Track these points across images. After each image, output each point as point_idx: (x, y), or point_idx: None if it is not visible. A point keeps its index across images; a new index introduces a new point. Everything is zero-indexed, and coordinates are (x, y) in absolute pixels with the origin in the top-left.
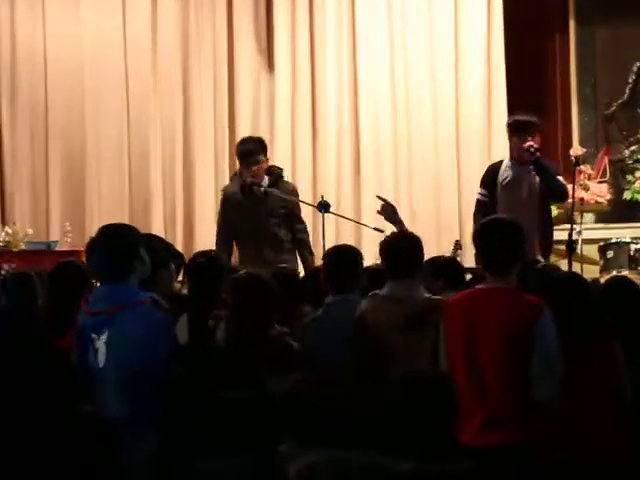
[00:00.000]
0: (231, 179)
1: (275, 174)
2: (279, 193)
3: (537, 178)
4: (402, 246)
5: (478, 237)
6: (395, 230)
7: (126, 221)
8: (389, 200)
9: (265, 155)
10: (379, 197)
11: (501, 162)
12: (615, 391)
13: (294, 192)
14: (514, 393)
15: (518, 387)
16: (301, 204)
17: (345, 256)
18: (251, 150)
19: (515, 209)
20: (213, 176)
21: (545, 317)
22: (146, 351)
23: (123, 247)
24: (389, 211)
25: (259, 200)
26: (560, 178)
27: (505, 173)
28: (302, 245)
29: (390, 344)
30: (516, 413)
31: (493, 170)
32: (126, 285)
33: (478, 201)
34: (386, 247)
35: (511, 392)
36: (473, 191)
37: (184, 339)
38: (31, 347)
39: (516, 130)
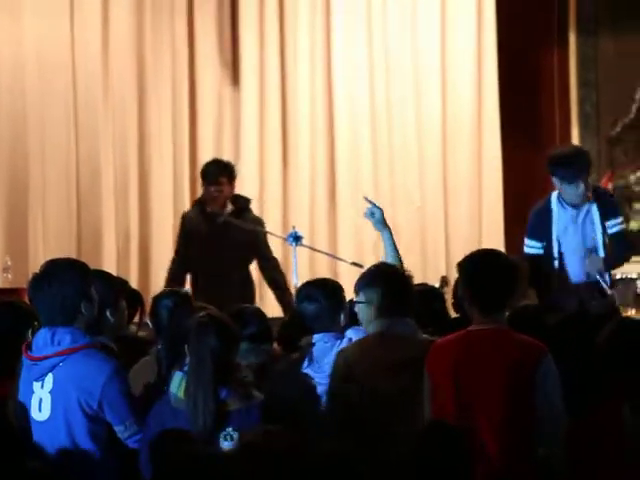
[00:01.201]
0: (192, 205)
1: (240, 204)
2: (240, 223)
3: (594, 219)
4: (401, 278)
5: (469, 271)
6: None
7: (74, 255)
8: (376, 203)
9: (229, 180)
10: (366, 199)
11: (548, 203)
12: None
13: (260, 225)
14: (514, 446)
15: (518, 441)
16: (270, 237)
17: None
18: (212, 170)
19: (571, 258)
20: (172, 203)
21: (548, 361)
22: (96, 400)
23: (70, 287)
24: (379, 215)
25: (220, 231)
26: (618, 221)
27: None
28: (276, 285)
29: (380, 391)
30: (517, 469)
31: (540, 215)
32: (72, 328)
33: (526, 256)
34: (383, 277)
35: (511, 445)
36: (461, 221)
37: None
38: None
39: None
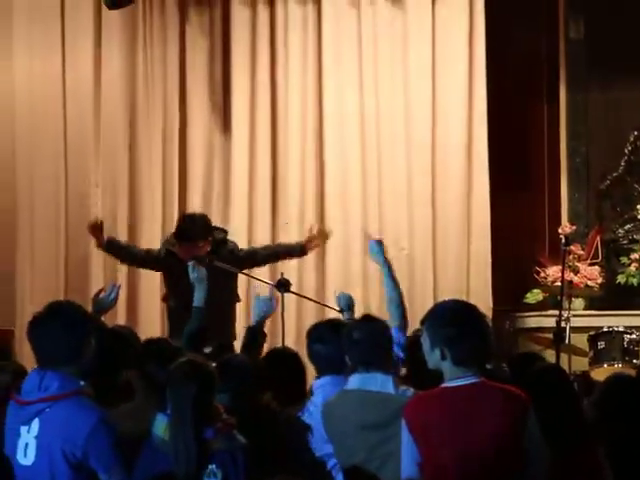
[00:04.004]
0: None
1: (217, 240)
2: (225, 266)
3: None
4: (368, 332)
5: (441, 324)
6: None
7: (61, 296)
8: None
9: (206, 239)
10: (366, 233)
11: None
12: None
13: (235, 250)
14: None
15: None
16: (257, 283)
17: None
18: (189, 235)
19: None
20: (160, 246)
21: (532, 410)
22: (80, 450)
23: (75, 330)
24: (376, 248)
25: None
26: None
27: None
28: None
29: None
30: None
31: None
32: (62, 374)
33: None
34: (350, 334)
35: None
36: (449, 271)
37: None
38: None
39: None
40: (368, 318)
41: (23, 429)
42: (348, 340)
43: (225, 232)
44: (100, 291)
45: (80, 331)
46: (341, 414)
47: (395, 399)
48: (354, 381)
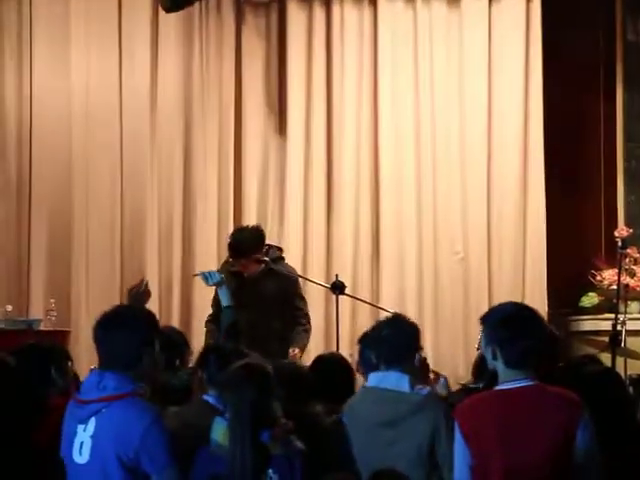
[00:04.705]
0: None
1: (272, 255)
2: (282, 269)
3: None
4: (397, 331)
5: (497, 323)
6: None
7: (117, 301)
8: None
9: (260, 251)
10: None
11: None
12: None
13: (293, 274)
14: None
15: None
16: (312, 285)
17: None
18: (244, 247)
19: None
20: (215, 251)
21: (586, 414)
22: (133, 450)
23: (137, 335)
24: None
25: (252, 290)
26: None
27: None
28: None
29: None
30: None
31: None
32: (120, 375)
33: None
34: (379, 331)
35: None
36: (505, 274)
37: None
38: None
39: None
40: (399, 318)
41: (80, 427)
42: (376, 337)
43: (280, 250)
44: (133, 287)
45: (141, 338)
46: (359, 411)
47: (408, 398)
48: (373, 379)
